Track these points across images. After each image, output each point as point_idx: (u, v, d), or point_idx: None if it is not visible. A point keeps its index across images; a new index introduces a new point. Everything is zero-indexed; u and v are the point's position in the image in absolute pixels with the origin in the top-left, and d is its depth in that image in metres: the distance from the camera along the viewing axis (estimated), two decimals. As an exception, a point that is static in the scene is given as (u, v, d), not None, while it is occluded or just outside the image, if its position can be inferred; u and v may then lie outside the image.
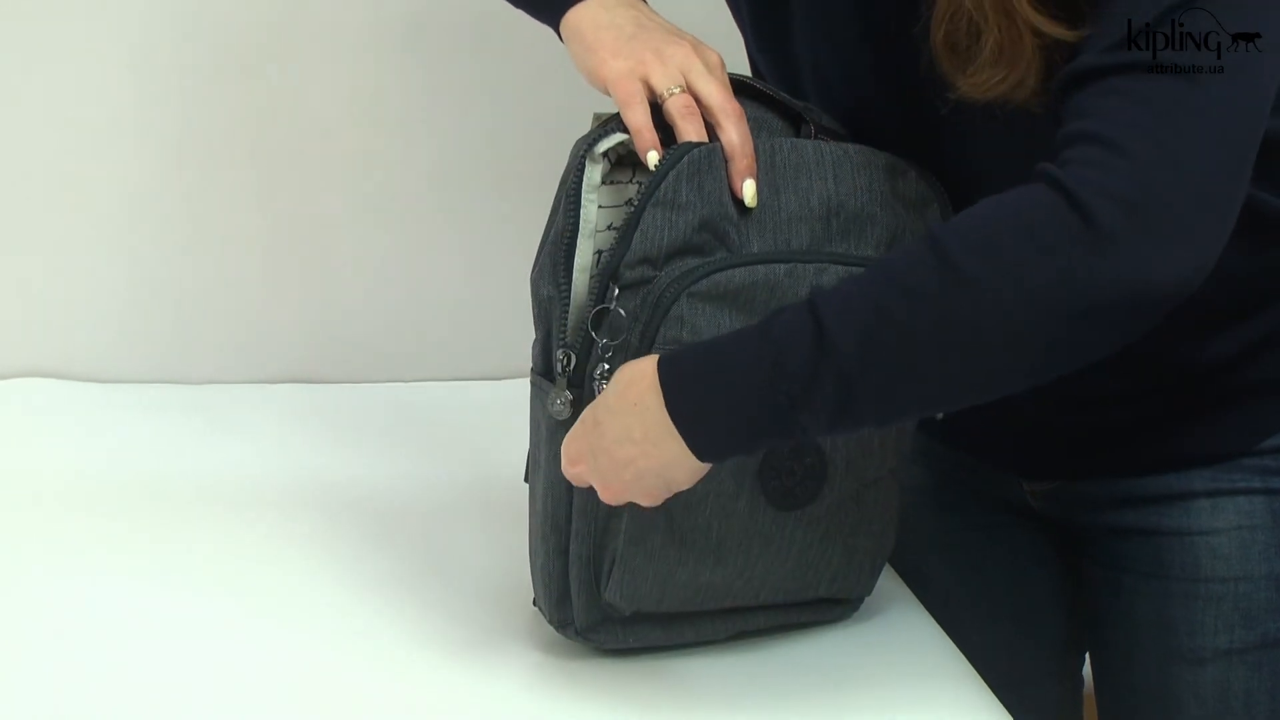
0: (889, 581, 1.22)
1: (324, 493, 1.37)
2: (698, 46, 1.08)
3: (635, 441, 0.97)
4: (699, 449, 0.95)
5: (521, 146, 1.62)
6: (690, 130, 1.03)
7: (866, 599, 1.18)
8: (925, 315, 0.90)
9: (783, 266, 1.03)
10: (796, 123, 1.10)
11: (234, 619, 1.15)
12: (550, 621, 1.10)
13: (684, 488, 0.99)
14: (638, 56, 1.06)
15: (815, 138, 1.08)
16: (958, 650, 1.14)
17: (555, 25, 1.12)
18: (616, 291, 1.02)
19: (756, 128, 1.07)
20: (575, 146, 1.05)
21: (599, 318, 1.03)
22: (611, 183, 1.05)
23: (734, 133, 1.03)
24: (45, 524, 1.30)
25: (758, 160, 1.04)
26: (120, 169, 1.59)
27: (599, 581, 1.07)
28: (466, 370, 1.64)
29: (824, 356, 0.91)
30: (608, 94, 1.07)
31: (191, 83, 1.58)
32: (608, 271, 1.02)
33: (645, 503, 1.00)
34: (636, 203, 1.02)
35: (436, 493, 1.36)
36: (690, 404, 0.95)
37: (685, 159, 1.02)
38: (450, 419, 1.53)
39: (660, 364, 0.96)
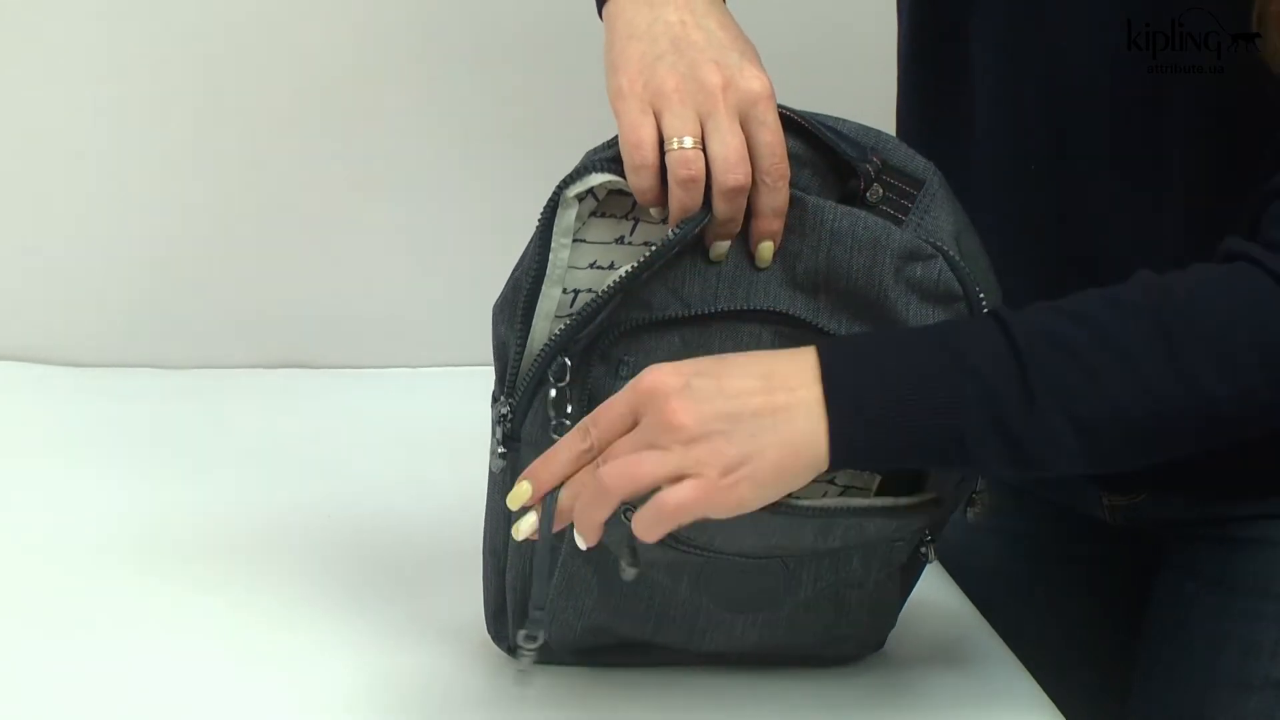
0: (964, 615, 1.17)
1: (323, 482, 1.34)
2: (737, 76, 0.92)
3: (758, 379, 0.86)
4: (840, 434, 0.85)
5: (533, 127, 1.58)
6: (679, 199, 0.90)
7: (940, 631, 1.12)
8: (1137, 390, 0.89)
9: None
10: (844, 170, 0.96)
11: (223, 611, 1.12)
12: (488, 630, 1.06)
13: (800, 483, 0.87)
14: (656, 86, 0.91)
15: (863, 189, 0.95)
16: (1033, 680, 1.08)
17: (599, 7, 1.00)
18: (568, 363, 0.93)
19: (796, 166, 0.94)
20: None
21: (559, 399, 0.93)
22: (603, 215, 0.94)
23: (723, 209, 0.91)
24: (20, 516, 1.26)
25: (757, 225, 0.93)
26: (104, 143, 1.55)
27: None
28: (475, 355, 1.56)
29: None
30: None
31: (180, 58, 1.54)
32: (557, 345, 0.93)
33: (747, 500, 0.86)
34: (609, 288, 0.92)
35: (443, 482, 1.30)
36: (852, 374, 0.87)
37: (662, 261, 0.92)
38: (457, 406, 1.40)
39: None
